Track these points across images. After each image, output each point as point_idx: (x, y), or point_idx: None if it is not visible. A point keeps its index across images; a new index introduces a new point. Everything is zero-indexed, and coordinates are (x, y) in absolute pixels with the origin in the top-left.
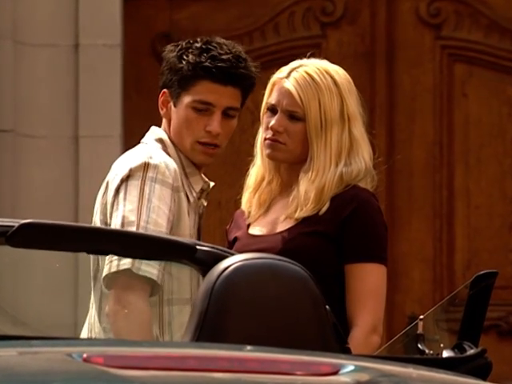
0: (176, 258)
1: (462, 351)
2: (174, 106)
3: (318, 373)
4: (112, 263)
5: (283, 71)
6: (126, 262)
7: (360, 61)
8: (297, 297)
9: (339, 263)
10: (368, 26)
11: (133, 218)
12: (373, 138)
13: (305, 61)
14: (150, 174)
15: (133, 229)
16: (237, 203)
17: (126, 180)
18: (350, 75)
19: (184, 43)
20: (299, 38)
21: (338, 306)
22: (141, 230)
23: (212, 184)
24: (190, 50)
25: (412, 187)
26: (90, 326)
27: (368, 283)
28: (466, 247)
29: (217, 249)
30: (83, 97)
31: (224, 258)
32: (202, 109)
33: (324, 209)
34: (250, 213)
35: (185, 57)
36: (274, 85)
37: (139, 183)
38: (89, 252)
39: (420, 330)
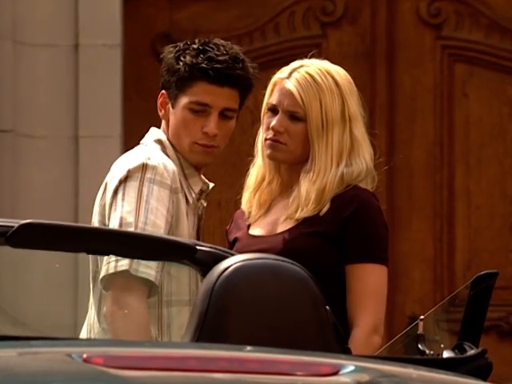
0: (176, 258)
1: (462, 352)
2: (172, 107)
3: (318, 373)
4: (110, 264)
5: (284, 71)
6: (124, 264)
7: (360, 61)
8: (297, 297)
9: (340, 264)
10: (368, 25)
11: (131, 219)
12: (373, 139)
13: (306, 61)
14: (148, 175)
15: (131, 230)
16: (237, 203)
17: (124, 181)
18: (350, 75)
19: (182, 44)
20: (299, 38)
21: (338, 306)
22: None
23: (211, 185)
24: (188, 51)
25: (412, 187)
26: (90, 327)
27: (369, 284)
28: (466, 247)
29: (217, 249)
30: (83, 97)
31: (224, 258)
32: (199, 110)
33: (325, 209)
34: (250, 213)
35: (182, 58)
36: (274, 85)
37: (137, 184)
38: (89, 252)
39: (420, 331)
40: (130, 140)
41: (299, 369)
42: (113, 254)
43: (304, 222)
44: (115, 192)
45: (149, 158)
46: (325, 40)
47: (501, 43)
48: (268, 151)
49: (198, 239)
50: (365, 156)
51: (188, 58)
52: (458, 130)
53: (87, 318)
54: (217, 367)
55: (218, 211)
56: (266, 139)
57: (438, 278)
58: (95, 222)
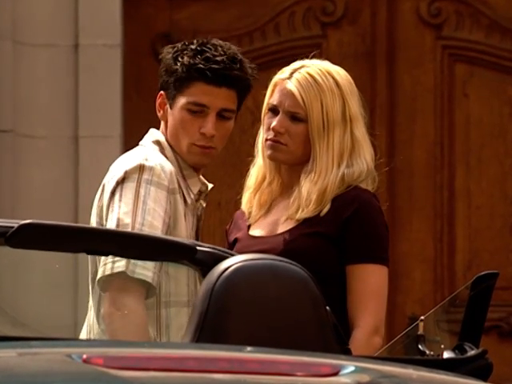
0: (176, 258)
1: (462, 352)
2: (170, 107)
3: (318, 374)
4: (106, 266)
5: (285, 72)
6: (121, 265)
7: (360, 61)
8: (297, 297)
9: (340, 264)
10: (368, 26)
11: (128, 220)
12: (374, 139)
13: (306, 61)
14: (146, 176)
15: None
16: (237, 204)
17: (121, 182)
18: (350, 75)
19: (180, 45)
20: (300, 38)
21: (338, 306)
22: None
23: (210, 186)
24: (185, 52)
25: (413, 187)
26: (89, 328)
27: (369, 284)
28: (466, 248)
29: (217, 249)
30: (83, 97)
31: (224, 258)
32: (197, 110)
33: (325, 210)
34: (250, 213)
35: (180, 58)
36: (275, 85)
37: (134, 185)
38: (88, 253)
39: (421, 331)
40: (130, 140)
41: (299, 369)
42: (113, 254)
43: (304, 223)
44: (112, 193)
45: (146, 159)
46: (325, 40)
47: (501, 43)
48: (269, 152)
49: (197, 240)
50: (366, 156)
51: (186, 58)
52: (458, 130)
53: (87, 319)
54: (217, 368)
55: (218, 211)
56: (266, 140)
57: (438, 279)
58: (93, 223)
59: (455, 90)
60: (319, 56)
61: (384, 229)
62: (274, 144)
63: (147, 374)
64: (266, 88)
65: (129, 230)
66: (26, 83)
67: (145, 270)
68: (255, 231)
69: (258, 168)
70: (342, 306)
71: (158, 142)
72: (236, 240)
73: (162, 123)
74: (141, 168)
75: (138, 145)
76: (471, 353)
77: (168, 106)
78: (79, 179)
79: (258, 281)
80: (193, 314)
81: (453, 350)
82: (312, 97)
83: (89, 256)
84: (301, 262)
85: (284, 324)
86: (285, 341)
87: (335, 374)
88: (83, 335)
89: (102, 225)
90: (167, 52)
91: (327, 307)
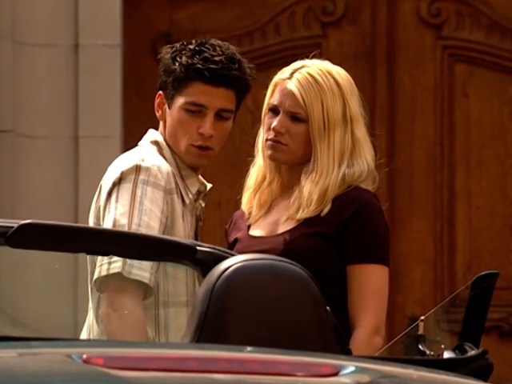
0: (176, 258)
1: (462, 352)
2: (169, 107)
3: (319, 374)
4: (102, 267)
5: (285, 72)
6: (117, 266)
7: (361, 61)
8: (297, 298)
9: (341, 264)
10: (369, 25)
11: (124, 221)
12: (374, 139)
13: (306, 62)
14: (142, 176)
15: None
16: (237, 204)
17: (118, 183)
18: (350, 75)
19: (178, 45)
20: (300, 38)
21: (339, 306)
22: None
23: (209, 186)
24: (184, 52)
25: (413, 188)
26: (89, 329)
27: (370, 284)
28: (466, 248)
29: (217, 249)
30: (83, 97)
31: (224, 258)
32: (195, 110)
33: (326, 210)
34: (250, 214)
35: (178, 58)
36: (275, 85)
37: (131, 186)
38: (88, 253)
39: (421, 331)
40: (130, 140)
41: (299, 369)
42: (112, 254)
43: (305, 223)
44: (109, 194)
45: (142, 160)
46: (325, 40)
47: (501, 43)
48: (269, 152)
49: (197, 240)
50: (366, 157)
51: (184, 58)
52: (458, 130)
53: (87, 320)
54: (217, 368)
55: (218, 211)
56: (266, 140)
57: (438, 279)
58: (91, 224)
59: (455, 90)
60: (319, 56)
61: (384, 229)
62: (275, 144)
63: (147, 374)
64: (266, 88)
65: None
66: (26, 83)
67: (141, 270)
68: (255, 231)
69: (258, 168)
70: (342, 306)
71: (156, 143)
72: (236, 240)
73: (161, 123)
74: (137, 168)
75: (137, 145)
76: (471, 353)
77: (166, 105)
78: (79, 179)
79: (258, 281)
80: (193, 314)
81: (453, 350)
82: (313, 97)
83: (88, 256)
84: (301, 262)
85: (284, 324)
86: (285, 341)
87: (335, 374)
88: (83, 336)
89: (100, 226)
90: (166, 52)
91: (327, 307)
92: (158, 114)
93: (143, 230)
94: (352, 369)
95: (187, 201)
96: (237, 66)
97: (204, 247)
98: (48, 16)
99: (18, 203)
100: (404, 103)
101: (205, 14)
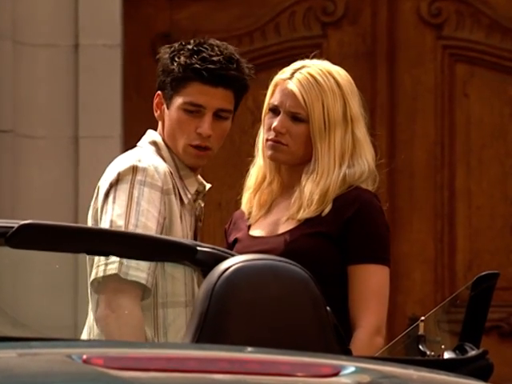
0: (177, 259)
1: (463, 352)
2: (167, 107)
3: (319, 374)
4: (99, 268)
5: (286, 72)
6: (113, 267)
7: (361, 61)
8: (297, 298)
9: (342, 264)
10: (369, 25)
11: (121, 222)
12: (374, 139)
13: (307, 62)
14: (139, 177)
15: None
16: (237, 204)
17: (115, 184)
18: (350, 75)
19: (177, 45)
20: (300, 38)
21: (339, 307)
22: None
23: (208, 186)
24: (182, 52)
25: (413, 188)
26: (90, 330)
27: (371, 284)
28: (467, 248)
29: (217, 250)
30: (83, 97)
31: (225, 258)
32: (193, 110)
33: (327, 210)
34: (250, 214)
35: (176, 58)
36: (276, 86)
37: (128, 187)
38: (89, 253)
39: (421, 332)
40: (130, 140)
41: (300, 370)
42: (113, 254)
43: (306, 223)
44: (106, 195)
45: (139, 161)
46: (325, 40)
47: (502, 43)
48: (269, 152)
49: (196, 240)
50: (367, 157)
51: (182, 58)
52: (458, 130)
53: (87, 321)
54: (217, 368)
55: (219, 212)
56: (267, 140)
57: (438, 279)
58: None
59: (456, 90)
60: (319, 56)
61: (385, 229)
62: (275, 144)
63: (147, 374)
64: (267, 88)
65: None
66: (25, 83)
67: (138, 271)
68: (255, 231)
69: (258, 168)
70: (343, 306)
71: (154, 143)
72: (236, 240)
73: (160, 123)
74: (134, 169)
75: (135, 146)
76: (472, 353)
77: (165, 106)
78: (79, 179)
79: (258, 281)
80: (193, 315)
81: (453, 351)
82: (313, 97)
83: (87, 257)
84: (302, 263)
85: (284, 324)
86: (285, 341)
87: (336, 374)
88: (84, 337)
89: None
90: (164, 52)
91: (328, 308)
92: (156, 114)
93: (140, 231)
94: (352, 369)
95: (186, 201)
96: (235, 65)
97: (204, 247)
98: (48, 16)
99: (17, 203)
100: (404, 103)
101: (205, 14)
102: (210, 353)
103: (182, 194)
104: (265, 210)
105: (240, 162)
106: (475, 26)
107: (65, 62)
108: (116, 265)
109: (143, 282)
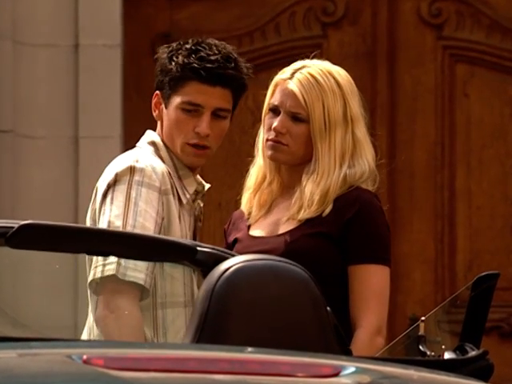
0: (176, 259)
1: (463, 353)
2: (165, 107)
3: (319, 374)
4: (97, 269)
5: (286, 72)
6: (111, 268)
7: (361, 61)
8: (298, 298)
9: (342, 264)
10: (369, 26)
11: (118, 223)
12: (374, 139)
13: (307, 62)
14: (137, 177)
15: None
16: (237, 204)
17: (112, 185)
18: (351, 75)
19: (175, 44)
20: (300, 38)
21: (340, 307)
22: None
23: (207, 186)
24: (180, 51)
25: (413, 188)
26: (90, 330)
27: (371, 284)
28: (467, 248)
29: (217, 250)
30: (83, 97)
31: (225, 259)
32: (191, 110)
33: (327, 210)
34: (250, 214)
35: (174, 58)
36: (276, 86)
37: (125, 187)
38: (89, 253)
39: (421, 332)
40: (130, 140)
41: (300, 370)
42: (113, 254)
43: (306, 223)
44: (104, 196)
45: (137, 161)
46: (325, 40)
47: (502, 43)
48: (269, 152)
49: (195, 240)
50: (367, 157)
51: (180, 57)
52: (459, 130)
53: (87, 322)
54: (217, 368)
55: (219, 212)
56: (267, 140)
57: (439, 279)
58: None
59: (456, 90)
60: (320, 56)
61: (385, 229)
62: (275, 144)
63: (148, 374)
64: (267, 88)
65: None
66: (25, 83)
67: (136, 272)
68: (255, 231)
69: (258, 168)
70: (343, 306)
71: (153, 143)
72: (235, 240)
73: (158, 123)
74: (131, 170)
75: (135, 146)
76: (472, 353)
77: (163, 105)
78: (79, 179)
79: (258, 281)
80: (193, 315)
81: (454, 351)
82: (314, 97)
83: (87, 257)
84: (302, 263)
85: (285, 325)
86: (285, 341)
87: (336, 374)
88: (84, 337)
89: None
90: (162, 52)
91: (328, 308)
92: (154, 114)
93: (138, 232)
94: (352, 369)
95: (184, 201)
96: (233, 65)
97: (204, 247)
98: (48, 16)
99: (18, 203)
100: (404, 103)
101: (205, 14)
102: (211, 353)
103: (180, 194)
104: (265, 210)
105: (240, 162)
106: (475, 27)
107: (65, 62)
108: (114, 266)
109: (141, 282)
